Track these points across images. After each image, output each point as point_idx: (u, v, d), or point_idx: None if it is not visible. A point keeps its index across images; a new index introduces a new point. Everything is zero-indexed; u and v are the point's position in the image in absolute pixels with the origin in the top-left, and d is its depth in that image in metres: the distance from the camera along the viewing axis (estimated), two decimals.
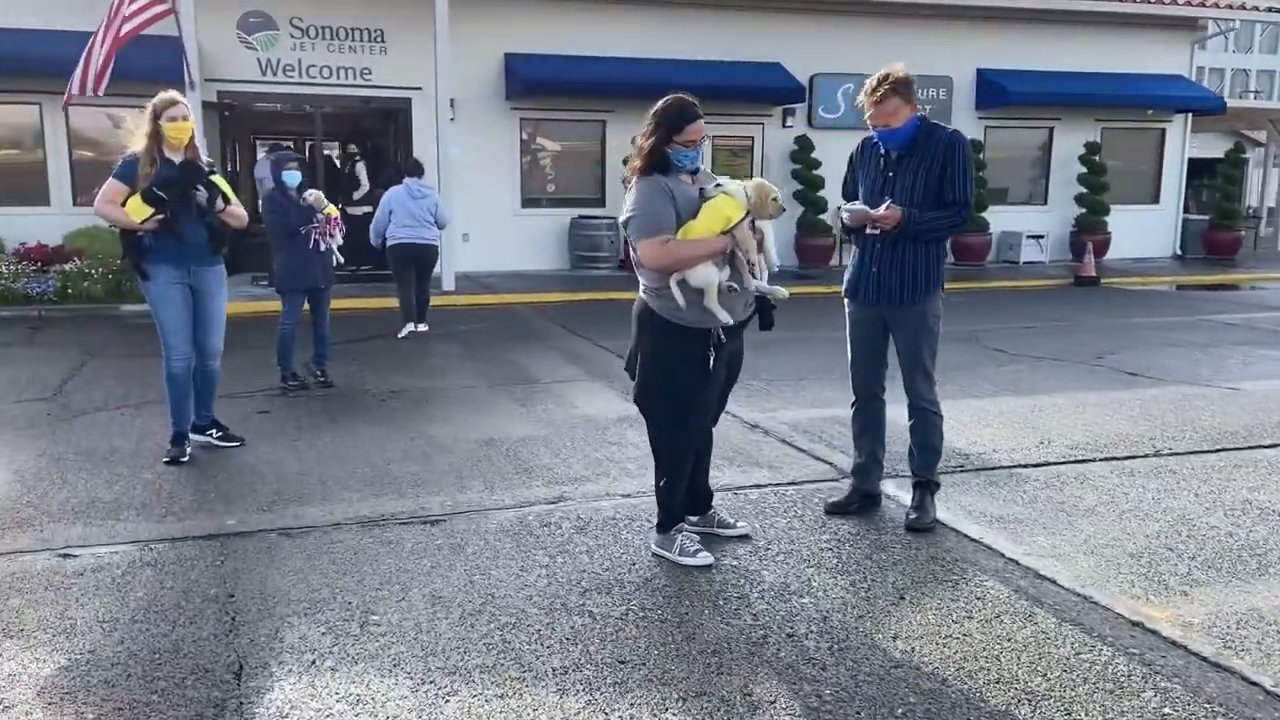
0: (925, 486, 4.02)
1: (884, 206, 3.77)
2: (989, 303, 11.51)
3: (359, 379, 7.02)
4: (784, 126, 14.66)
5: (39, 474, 4.66)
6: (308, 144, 16.45)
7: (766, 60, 14.16)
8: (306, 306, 6.69)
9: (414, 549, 3.76)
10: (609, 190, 14.13)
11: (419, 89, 12.89)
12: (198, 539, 3.85)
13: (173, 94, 4.70)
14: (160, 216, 4.61)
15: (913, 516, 3.97)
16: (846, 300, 4.08)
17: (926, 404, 3.97)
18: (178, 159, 4.71)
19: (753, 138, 14.73)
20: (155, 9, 9.92)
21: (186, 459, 4.85)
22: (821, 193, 14.12)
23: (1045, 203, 16.18)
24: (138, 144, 4.69)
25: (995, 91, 15.06)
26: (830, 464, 4.88)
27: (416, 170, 8.97)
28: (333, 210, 6.48)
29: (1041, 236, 15.58)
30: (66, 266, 10.59)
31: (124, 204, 4.62)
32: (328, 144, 15.24)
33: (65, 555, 3.66)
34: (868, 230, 3.89)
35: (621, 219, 3.44)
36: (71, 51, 9.98)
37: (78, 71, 9.78)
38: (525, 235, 13.88)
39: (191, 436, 5.02)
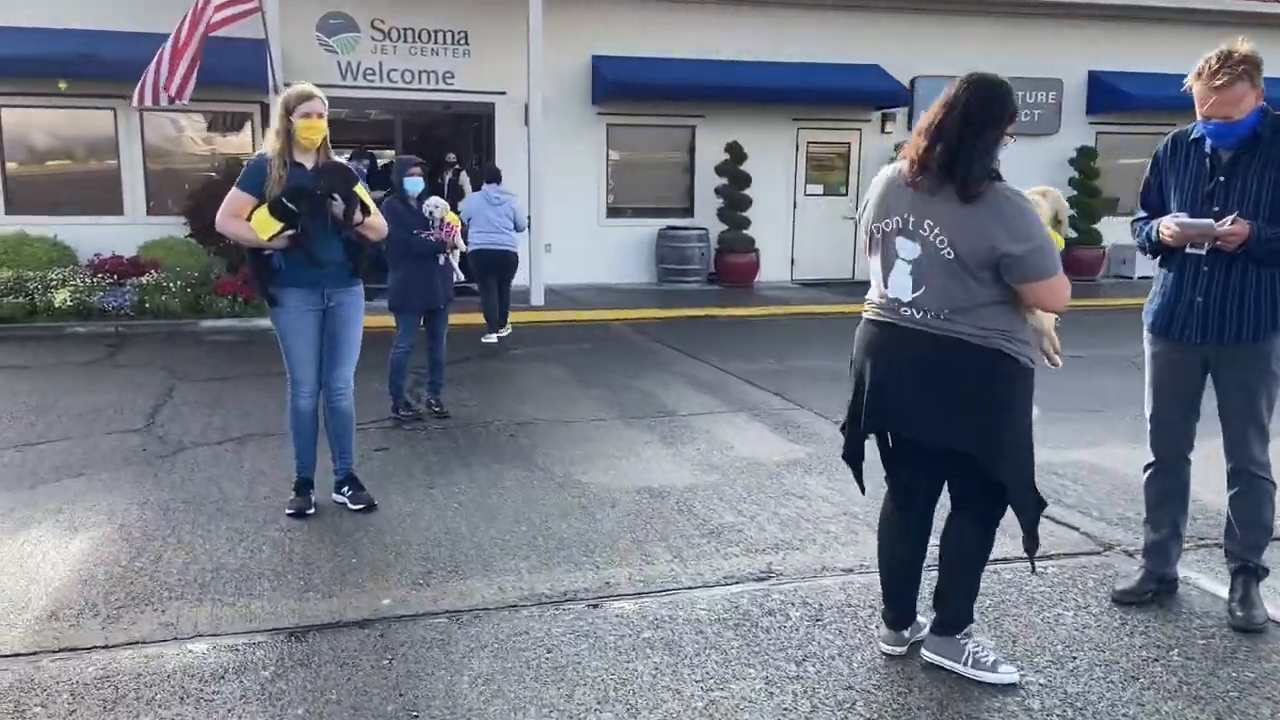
0: (1250, 574, 3.19)
1: (1229, 220, 2.95)
2: (1118, 323, 10.49)
3: (474, 408, 6.32)
4: (883, 132, 13.78)
5: (147, 530, 4.00)
6: (369, 150, 16.04)
7: (864, 61, 13.33)
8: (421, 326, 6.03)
9: (619, 646, 3.02)
10: (698, 199, 13.39)
11: (503, 94, 12.27)
12: (352, 625, 3.15)
13: (309, 87, 3.97)
14: (290, 232, 3.93)
15: (1239, 614, 3.13)
16: (1152, 337, 3.26)
17: (1257, 469, 3.13)
18: (308, 163, 4.02)
19: (849, 144, 13.86)
20: (241, 6, 9.39)
21: (312, 510, 4.17)
22: None
23: None
24: (269, 145, 4.00)
25: (1110, 94, 14.04)
26: (1078, 529, 4.05)
27: (494, 177, 8.94)
28: (455, 219, 5.80)
29: None
30: (143, 279, 10.08)
31: (249, 217, 3.95)
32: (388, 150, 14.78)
33: (197, 648, 2.97)
34: (1188, 250, 3.09)
35: (1013, 250, 2.46)
36: (150, 54, 9.48)
37: (153, 73, 9.27)
38: (610, 246, 13.14)
39: (332, 497, 4.32)
